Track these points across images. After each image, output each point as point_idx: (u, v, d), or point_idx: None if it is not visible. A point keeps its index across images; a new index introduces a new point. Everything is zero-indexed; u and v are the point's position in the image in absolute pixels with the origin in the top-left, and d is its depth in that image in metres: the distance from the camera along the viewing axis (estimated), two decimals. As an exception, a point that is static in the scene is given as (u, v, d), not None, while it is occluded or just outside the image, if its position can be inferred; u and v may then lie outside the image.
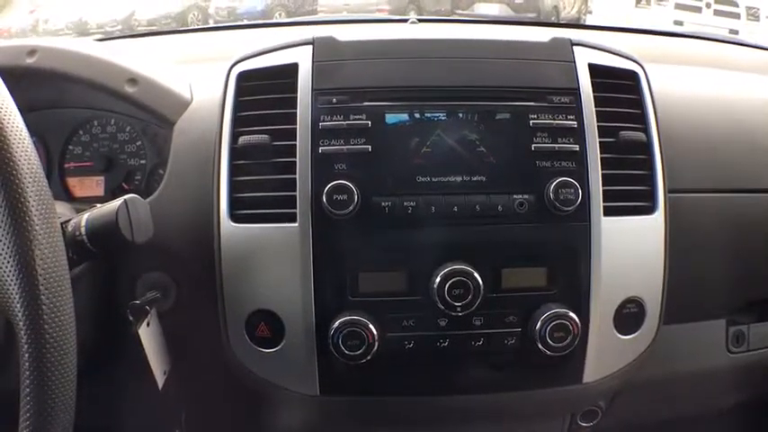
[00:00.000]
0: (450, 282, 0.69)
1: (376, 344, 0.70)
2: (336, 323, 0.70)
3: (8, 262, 0.52)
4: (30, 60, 0.80)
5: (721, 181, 0.87)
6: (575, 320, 0.72)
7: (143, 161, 0.87)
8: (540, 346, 0.72)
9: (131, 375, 0.79)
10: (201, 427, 0.89)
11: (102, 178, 0.89)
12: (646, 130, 0.78)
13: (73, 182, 0.89)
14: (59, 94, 0.86)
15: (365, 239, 0.71)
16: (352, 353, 0.69)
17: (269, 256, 0.72)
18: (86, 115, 0.89)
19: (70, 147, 0.89)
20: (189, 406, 0.84)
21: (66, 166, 0.89)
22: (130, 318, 0.75)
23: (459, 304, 0.70)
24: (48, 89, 0.84)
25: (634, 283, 0.76)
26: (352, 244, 0.71)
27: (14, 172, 0.52)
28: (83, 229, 0.66)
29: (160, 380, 0.78)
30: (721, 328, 0.94)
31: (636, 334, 0.77)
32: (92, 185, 0.89)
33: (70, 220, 0.66)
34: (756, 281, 0.91)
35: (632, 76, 0.80)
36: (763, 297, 0.93)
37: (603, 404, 0.88)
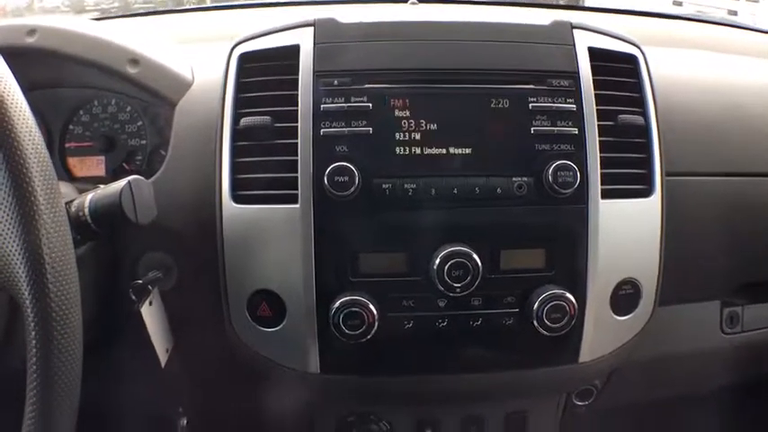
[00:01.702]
0: (449, 263, 0.70)
1: (376, 324, 0.71)
2: (337, 303, 0.70)
3: (14, 241, 0.52)
4: (30, 40, 0.79)
5: (719, 165, 0.88)
6: (571, 301, 0.72)
7: (144, 141, 0.88)
8: (537, 326, 0.73)
9: (134, 355, 0.80)
10: (203, 406, 0.90)
11: (102, 158, 0.89)
12: (644, 114, 0.79)
13: (73, 161, 0.89)
14: (59, 73, 0.86)
15: (366, 221, 0.72)
16: (352, 332, 0.70)
17: (270, 236, 0.73)
18: (87, 95, 0.89)
19: (71, 126, 0.89)
20: (190, 385, 0.85)
21: (67, 145, 0.90)
22: (133, 297, 0.76)
23: (459, 285, 0.71)
24: (48, 69, 0.84)
25: (630, 265, 0.77)
26: (352, 225, 0.72)
27: (18, 150, 0.52)
28: (86, 210, 0.67)
29: (162, 359, 0.79)
30: (716, 310, 0.95)
31: (631, 315, 0.78)
32: (93, 165, 0.89)
33: (73, 200, 0.67)
34: (751, 264, 0.92)
35: (632, 59, 0.81)
36: (757, 280, 0.94)
37: (599, 383, 0.89)
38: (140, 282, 0.77)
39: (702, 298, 0.93)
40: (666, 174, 0.79)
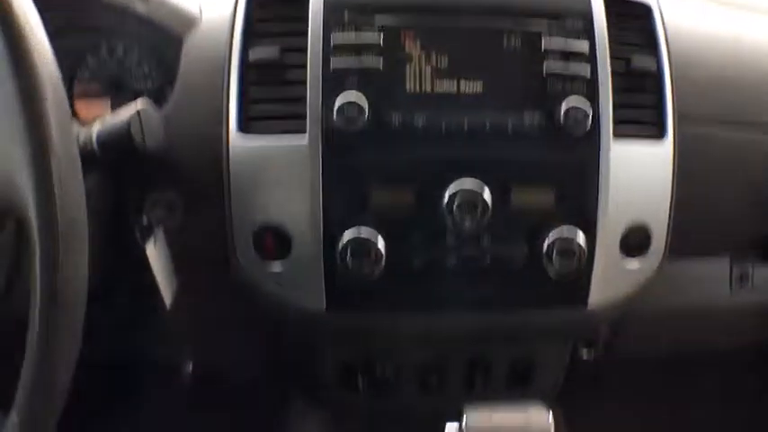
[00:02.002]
0: (459, 198, 0.69)
1: (383, 260, 0.70)
2: (344, 238, 0.70)
3: (24, 164, 0.52)
4: None
5: (731, 114, 0.87)
6: (581, 242, 0.72)
7: (151, 84, 0.87)
8: (546, 267, 0.72)
9: (137, 298, 0.80)
10: (207, 350, 0.90)
11: (109, 101, 0.88)
12: (657, 59, 0.78)
13: (80, 105, 0.89)
14: (68, 17, 0.86)
15: (375, 154, 0.71)
16: (359, 268, 0.70)
17: (278, 169, 0.72)
18: (94, 39, 0.88)
19: (78, 71, 0.89)
20: (195, 328, 0.85)
21: (75, 90, 0.89)
22: (138, 236, 0.75)
23: (468, 221, 0.70)
24: (57, 12, 0.84)
25: (641, 208, 0.77)
26: (361, 159, 0.71)
27: (34, 72, 0.51)
28: (93, 138, 0.67)
29: (167, 299, 0.79)
30: (725, 267, 0.94)
31: (641, 260, 0.77)
32: (99, 108, 0.89)
33: (80, 131, 0.66)
34: (762, 217, 0.91)
35: (645, 6, 0.80)
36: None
37: (605, 335, 0.88)
38: (145, 220, 0.76)
39: (712, 252, 0.92)
40: (678, 120, 0.78)
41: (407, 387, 0.86)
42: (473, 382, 0.85)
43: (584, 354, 0.90)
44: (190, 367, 0.88)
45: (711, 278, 0.94)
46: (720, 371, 1.43)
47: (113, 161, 0.71)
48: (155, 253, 0.76)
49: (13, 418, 0.53)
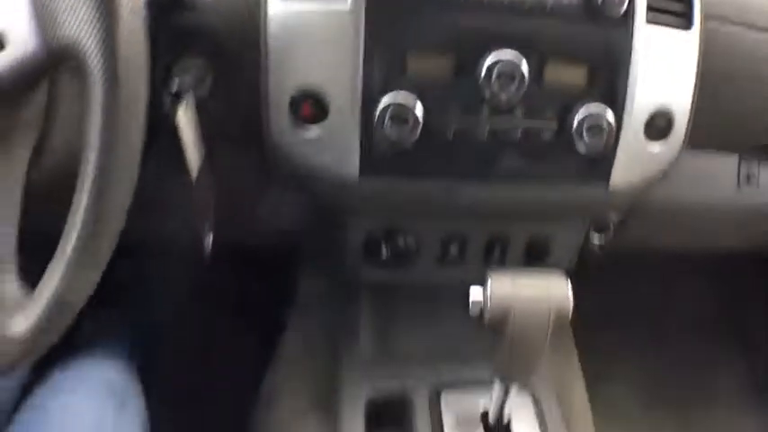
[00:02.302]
0: (498, 69, 0.71)
1: (420, 126, 0.72)
2: (383, 103, 0.72)
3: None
4: None
5: (760, 20, 0.88)
6: (610, 120, 0.74)
7: None
8: (574, 142, 0.75)
9: (164, 166, 0.81)
10: (232, 222, 0.92)
11: None
12: None
13: None
14: None
15: (416, 20, 0.72)
16: (396, 134, 0.72)
17: (318, 34, 0.73)
18: None
19: None
20: (219, 197, 0.86)
21: None
22: (168, 104, 0.76)
23: (504, 93, 0.72)
24: None
25: (667, 94, 0.79)
26: (402, 24, 0.72)
27: None
28: None
29: (194, 170, 0.80)
30: (734, 165, 0.97)
31: (662, 145, 0.80)
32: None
33: None
34: None
35: None
36: None
37: (617, 220, 0.92)
38: (175, 87, 0.76)
39: (723, 148, 0.95)
40: (707, 17, 0.80)
41: (428, 257, 0.90)
42: (491, 256, 0.89)
43: (596, 239, 0.94)
44: (211, 239, 0.90)
45: (720, 174, 0.97)
46: (721, 269, 1.49)
47: (153, 18, 0.71)
48: (183, 122, 0.77)
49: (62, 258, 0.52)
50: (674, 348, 1.54)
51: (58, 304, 0.52)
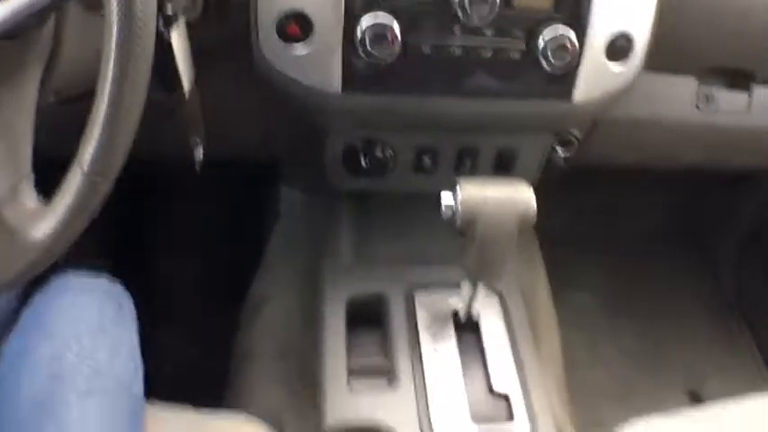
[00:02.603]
0: None
1: (398, 44, 0.78)
2: (363, 22, 0.77)
3: None
4: None
5: None
6: (574, 41, 0.80)
7: None
8: (541, 61, 0.81)
9: (158, 85, 0.84)
10: (221, 136, 0.97)
11: None
12: None
13: None
14: None
15: None
16: (375, 51, 0.77)
17: None
18: None
19: None
20: (210, 114, 0.91)
21: None
22: (161, 25, 0.79)
23: (476, 16, 0.77)
24: None
25: (627, 19, 0.85)
26: None
27: None
28: None
29: (186, 90, 0.84)
30: (693, 86, 1.04)
31: (623, 65, 0.86)
32: None
33: None
34: (735, 48, 1.00)
35: None
36: (736, 65, 1.03)
37: (580, 135, 0.99)
38: (169, 9, 0.78)
39: (683, 69, 1.02)
40: None
41: (403, 167, 0.97)
42: (462, 167, 0.96)
43: (560, 152, 1.01)
44: (201, 152, 0.95)
45: (679, 94, 1.04)
46: (683, 184, 1.58)
47: None
48: (177, 43, 0.81)
49: (78, 170, 0.56)
50: (637, 260, 1.64)
51: (73, 211, 0.57)
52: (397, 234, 1.10)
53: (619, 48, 0.85)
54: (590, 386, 1.35)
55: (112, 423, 0.67)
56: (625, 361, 1.46)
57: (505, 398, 0.90)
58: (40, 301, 0.75)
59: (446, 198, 0.80)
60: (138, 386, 0.72)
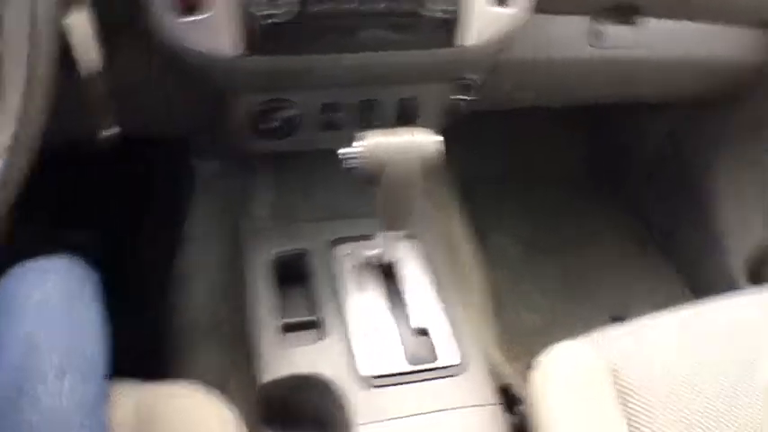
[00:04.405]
0: None
1: (295, 5, 0.79)
2: None
3: None
4: None
5: None
6: None
7: None
8: (424, 11, 0.84)
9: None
10: (125, 113, 0.96)
11: None
12: None
13: None
14: None
15: None
16: (273, 11, 0.79)
17: None
18: None
19: None
20: (117, 91, 0.90)
21: None
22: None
23: None
24: None
25: None
26: None
27: None
28: None
29: (86, 68, 0.82)
30: (584, 24, 1.08)
31: (510, 9, 0.89)
32: None
33: None
34: None
35: None
36: (624, 1, 1.07)
37: (478, 79, 1.02)
38: None
39: (574, 10, 1.06)
40: None
41: (310, 126, 0.98)
42: (367, 120, 0.98)
43: (461, 97, 1.04)
44: (111, 131, 0.94)
45: (572, 33, 1.09)
46: (587, 121, 1.64)
47: None
48: (76, 23, 0.79)
49: None
50: (555, 197, 1.70)
51: None
52: (313, 192, 1.11)
53: None
54: (517, 323, 1.40)
55: (83, 400, 0.68)
56: (550, 295, 1.51)
57: (432, 337, 0.94)
58: (3, 285, 0.74)
59: (349, 151, 0.82)
60: (106, 363, 0.73)
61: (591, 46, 1.10)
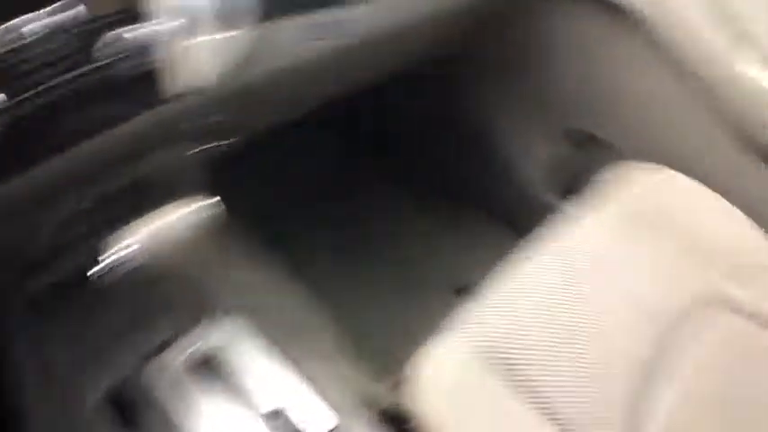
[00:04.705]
0: None
1: None
2: None
3: None
4: None
5: None
6: None
7: None
8: None
9: None
10: None
11: None
12: None
13: None
14: None
15: None
16: None
17: None
18: None
19: None
20: None
21: None
22: None
23: None
24: None
25: None
26: None
27: None
28: None
29: None
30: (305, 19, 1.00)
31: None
32: None
33: None
34: None
35: None
36: None
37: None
38: None
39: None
40: None
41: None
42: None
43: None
44: None
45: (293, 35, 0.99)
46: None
47: None
48: None
49: None
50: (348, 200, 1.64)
51: None
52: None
53: None
54: (363, 328, 1.30)
55: None
56: (385, 292, 1.45)
57: (290, 413, 0.82)
58: None
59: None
60: None
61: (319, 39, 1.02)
